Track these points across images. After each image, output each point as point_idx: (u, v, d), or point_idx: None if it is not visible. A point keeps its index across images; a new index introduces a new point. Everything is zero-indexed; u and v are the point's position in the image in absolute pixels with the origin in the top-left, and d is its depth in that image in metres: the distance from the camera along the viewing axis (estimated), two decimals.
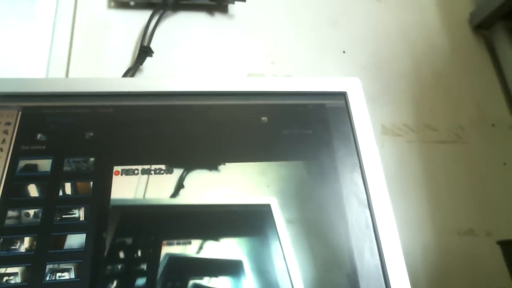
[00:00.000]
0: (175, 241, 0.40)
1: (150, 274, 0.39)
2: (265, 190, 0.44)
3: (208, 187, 0.44)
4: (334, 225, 0.43)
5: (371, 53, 0.76)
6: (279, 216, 0.43)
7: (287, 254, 0.41)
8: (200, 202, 0.43)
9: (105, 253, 0.39)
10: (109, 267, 0.38)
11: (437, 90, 0.75)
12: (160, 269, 0.39)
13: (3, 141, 0.43)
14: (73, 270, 0.37)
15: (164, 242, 0.40)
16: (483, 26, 0.81)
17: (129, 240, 0.40)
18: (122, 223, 0.41)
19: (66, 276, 0.37)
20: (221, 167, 0.45)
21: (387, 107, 0.72)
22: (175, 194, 0.43)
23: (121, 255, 0.39)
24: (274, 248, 0.41)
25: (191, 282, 0.39)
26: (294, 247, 0.41)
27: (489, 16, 0.78)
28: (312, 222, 0.43)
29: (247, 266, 0.40)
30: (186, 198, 0.43)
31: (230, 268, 0.40)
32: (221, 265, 0.40)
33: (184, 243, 0.40)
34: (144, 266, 0.39)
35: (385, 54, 0.77)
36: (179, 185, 0.43)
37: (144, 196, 0.42)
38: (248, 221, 0.42)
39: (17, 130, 0.43)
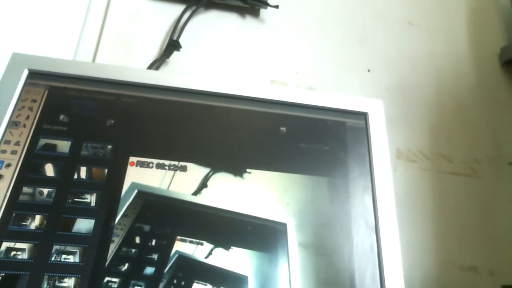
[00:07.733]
0: (188, 239, 0.41)
1: (159, 267, 0.39)
2: (285, 208, 0.44)
3: (230, 192, 0.44)
4: (340, 245, 0.43)
5: (396, 76, 0.76)
6: (293, 238, 0.42)
7: (293, 277, 0.41)
8: (219, 206, 0.43)
9: (120, 239, 0.39)
10: (114, 255, 0.39)
11: (457, 121, 0.75)
12: (168, 265, 0.39)
13: (27, 117, 0.43)
14: (78, 254, 0.38)
15: (178, 237, 0.41)
16: None
17: (146, 228, 0.41)
18: (141, 210, 0.41)
19: (71, 259, 0.37)
20: (246, 175, 0.45)
21: (404, 131, 0.72)
22: (197, 192, 0.43)
23: (134, 242, 0.40)
24: (282, 268, 0.41)
25: (195, 285, 0.39)
26: (302, 271, 0.41)
27: None
28: (322, 245, 0.43)
29: (251, 282, 0.40)
30: (206, 198, 0.43)
31: (235, 281, 0.40)
32: (226, 276, 0.40)
33: (197, 243, 0.41)
34: (155, 257, 0.39)
35: (410, 78, 0.76)
36: (203, 184, 0.44)
37: (168, 188, 0.43)
38: (261, 236, 0.42)
39: (42, 109, 0.44)
